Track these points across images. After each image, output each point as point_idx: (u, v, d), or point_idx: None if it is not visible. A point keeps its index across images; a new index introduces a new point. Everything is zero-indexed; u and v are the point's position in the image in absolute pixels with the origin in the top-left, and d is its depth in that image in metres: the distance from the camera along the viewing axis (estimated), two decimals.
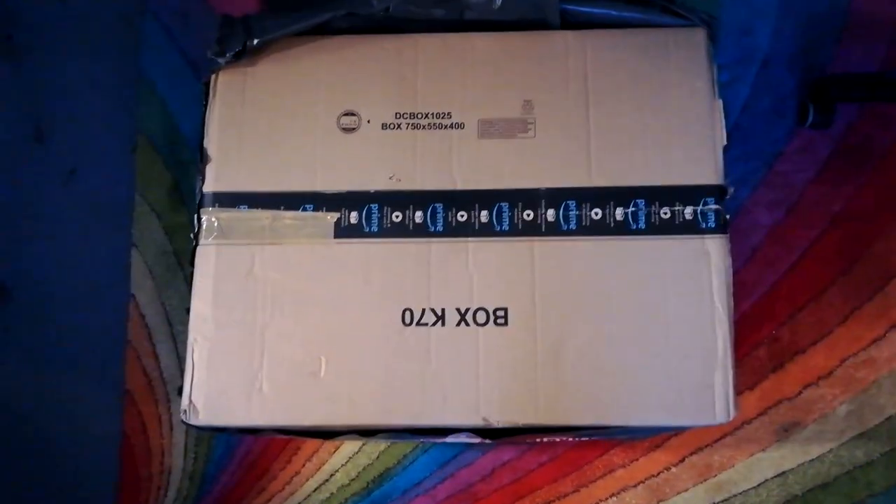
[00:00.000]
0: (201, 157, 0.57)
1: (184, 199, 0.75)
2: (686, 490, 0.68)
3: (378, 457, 0.70)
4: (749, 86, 0.76)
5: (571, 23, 0.60)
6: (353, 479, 0.70)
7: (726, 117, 0.75)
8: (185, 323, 0.55)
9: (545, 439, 0.57)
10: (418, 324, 0.55)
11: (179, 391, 0.54)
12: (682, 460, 0.69)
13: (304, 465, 0.71)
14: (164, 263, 0.73)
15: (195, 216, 0.56)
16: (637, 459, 0.69)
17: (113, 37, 0.79)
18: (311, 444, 0.70)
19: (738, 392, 0.70)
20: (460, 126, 0.58)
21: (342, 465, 0.71)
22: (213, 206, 0.56)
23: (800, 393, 0.70)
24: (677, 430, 0.68)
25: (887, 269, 0.72)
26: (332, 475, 0.71)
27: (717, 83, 0.58)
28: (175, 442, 0.71)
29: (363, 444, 0.70)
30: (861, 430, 0.70)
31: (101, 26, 0.79)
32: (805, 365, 0.71)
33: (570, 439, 0.65)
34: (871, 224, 0.73)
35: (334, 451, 0.70)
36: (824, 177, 0.74)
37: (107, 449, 0.71)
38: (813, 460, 0.69)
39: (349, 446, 0.70)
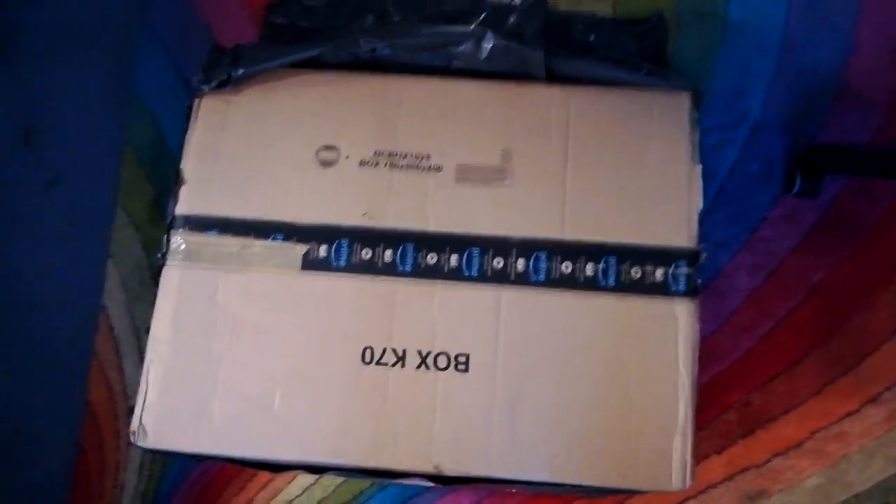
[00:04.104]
0: (177, 179, 0.58)
1: (164, 214, 0.74)
2: None
3: (334, 490, 0.69)
4: (738, 149, 0.76)
5: (557, 77, 0.61)
6: None
7: (713, 179, 0.76)
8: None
9: (502, 490, 0.56)
10: (378, 363, 0.54)
11: (132, 410, 0.54)
12: None
13: (258, 493, 0.70)
14: (138, 277, 0.73)
15: (164, 236, 0.56)
16: None
17: (110, 47, 0.79)
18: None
19: (705, 455, 0.70)
20: (438, 169, 0.58)
21: (297, 496, 0.70)
22: (184, 228, 0.57)
23: (768, 461, 0.69)
24: (630, 493, 0.67)
25: (864, 345, 0.71)
26: None
27: (697, 148, 0.58)
28: (131, 458, 0.70)
29: (319, 477, 0.69)
30: None
31: (99, 36, 0.79)
32: (775, 434, 0.70)
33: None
34: (850, 298, 0.72)
35: (290, 481, 0.69)
36: (807, 246, 0.74)
37: (62, 461, 0.70)
38: None
39: (305, 477, 0.69)
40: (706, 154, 0.75)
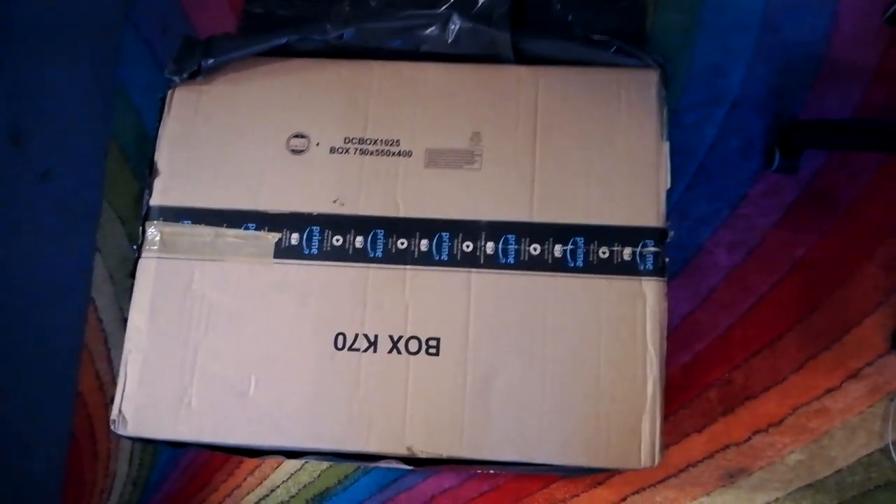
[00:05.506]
0: (150, 171, 0.59)
1: None
2: None
3: (319, 475, 0.70)
4: (717, 126, 0.76)
5: (526, 58, 0.61)
6: (293, 497, 0.71)
7: (693, 156, 0.76)
8: None
9: (479, 470, 0.57)
10: (350, 349, 0.55)
11: (112, 400, 0.55)
12: (624, 499, 0.68)
13: (245, 479, 0.71)
14: (124, 270, 0.74)
15: (140, 228, 0.57)
16: (578, 495, 0.69)
17: (94, 45, 0.80)
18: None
19: (686, 434, 0.70)
20: (408, 154, 0.58)
21: (283, 482, 0.71)
22: (158, 219, 0.58)
23: (749, 439, 0.70)
24: (605, 471, 0.68)
25: (846, 319, 0.71)
26: (272, 490, 0.71)
27: (666, 125, 0.58)
28: (122, 447, 0.72)
29: (305, 462, 0.70)
30: (809, 480, 0.68)
31: (84, 35, 0.81)
32: (756, 411, 0.70)
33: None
34: (832, 273, 0.72)
35: (276, 467, 0.71)
36: (788, 222, 0.73)
37: (55, 449, 0.72)
38: None
39: (291, 463, 0.70)
40: (686, 132, 0.76)
